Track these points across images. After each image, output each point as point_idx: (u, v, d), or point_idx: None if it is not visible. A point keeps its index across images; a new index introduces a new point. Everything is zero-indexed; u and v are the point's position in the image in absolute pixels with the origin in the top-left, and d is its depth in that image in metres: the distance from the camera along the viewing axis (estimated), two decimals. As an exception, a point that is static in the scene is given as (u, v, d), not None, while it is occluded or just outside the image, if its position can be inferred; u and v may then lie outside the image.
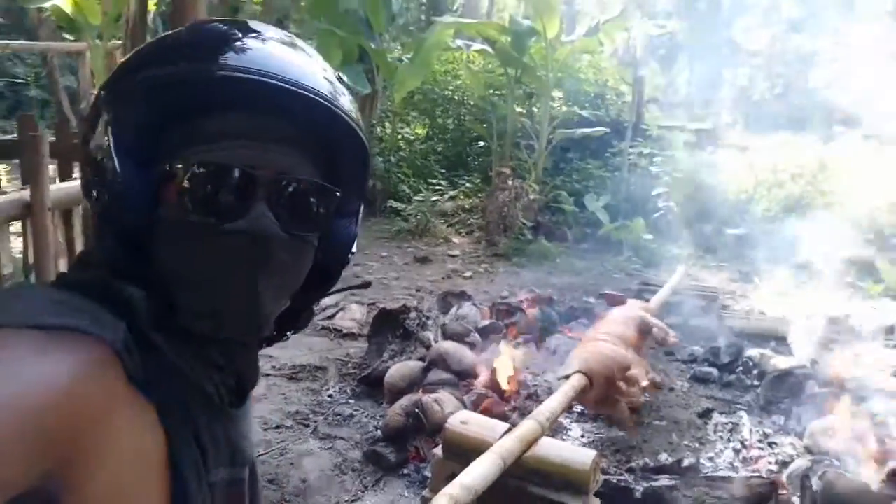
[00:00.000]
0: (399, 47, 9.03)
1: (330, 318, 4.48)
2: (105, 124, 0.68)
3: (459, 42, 8.38)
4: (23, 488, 0.51)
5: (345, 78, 0.78)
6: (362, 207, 0.83)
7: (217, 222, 0.67)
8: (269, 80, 0.65)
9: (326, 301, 4.75)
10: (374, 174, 8.00)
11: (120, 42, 6.41)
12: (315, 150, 0.73)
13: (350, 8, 7.26)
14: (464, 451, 2.24)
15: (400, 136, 9.35)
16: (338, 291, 0.84)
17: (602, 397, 2.82)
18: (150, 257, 0.69)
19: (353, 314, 4.53)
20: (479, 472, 1.85)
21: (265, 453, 2.78)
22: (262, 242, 0.67)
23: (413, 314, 3.58)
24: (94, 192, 0.70)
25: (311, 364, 3.74)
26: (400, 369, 3.21)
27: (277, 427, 3.04)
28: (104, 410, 0.57)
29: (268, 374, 3.59)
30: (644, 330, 3.30)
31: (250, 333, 0.70)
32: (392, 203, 7.73)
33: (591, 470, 2.14)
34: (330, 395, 3.40)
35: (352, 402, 3.34)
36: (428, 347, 3.37)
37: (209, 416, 0.71)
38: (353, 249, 0.82)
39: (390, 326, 3.62)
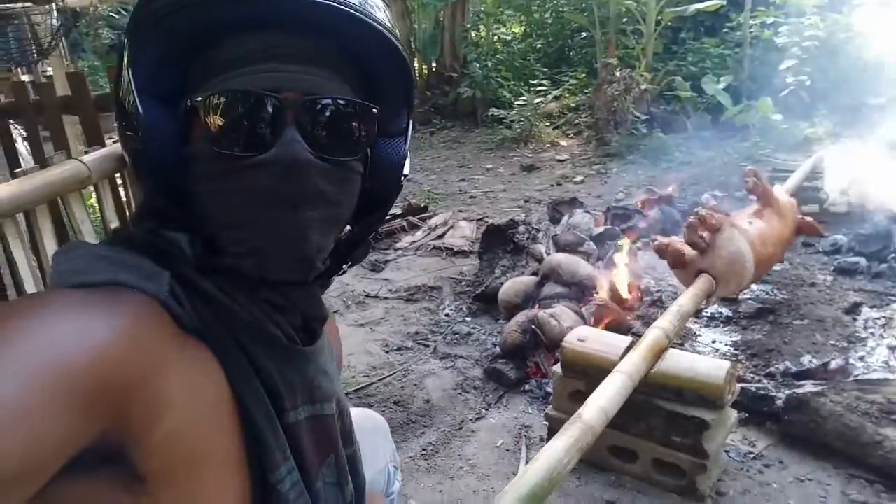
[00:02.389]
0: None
1: (440, 237, 4.45)
2: (126, 64, 0.64)
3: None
4: (81, 446, 0.51)
5: None
6: (411, 125, 0.76)
7: (245, 154, 0.62)
8: None
9: (436, 220, 4.73)
10: (472, 82, 7.75)
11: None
12: (349, 67, 0.67)
13: None
14: (585, 370, 2.15)
15: (496, 38, 8.94)
16: (393, 218, 0.78)
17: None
18: (191, 199, 0.66)
19: (463, 231, 4.47)
20: (607, 394, 1.76)
21: (389, 375, 2.84)
22: (297, 172, 0.62)
23: (522, 227, 3.46)
24: (126, 138, 0.67)
25: (426, 285, 3.74)
26: (513, 285, 3.13)
27: (399, 349, 3.08)
28: (154, 362, 0.56)
29: (385, 298, 3.65)
30: (803, 229, 3.00)
31: (299, 273, 0.67)
32: (493, 111, 7.46)
33: (725, 382, 2.00)
34: (447, 315, 3.40)
35: (468, 320, 3.33)
36: (540, 261, 3.26)
37: (277, 357, 0.69)
38: (406, 171, 0.76)
39: (500, 241, 3.52)
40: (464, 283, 3.71)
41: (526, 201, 5.36)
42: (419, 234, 4.57)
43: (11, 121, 2.86)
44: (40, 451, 0.47)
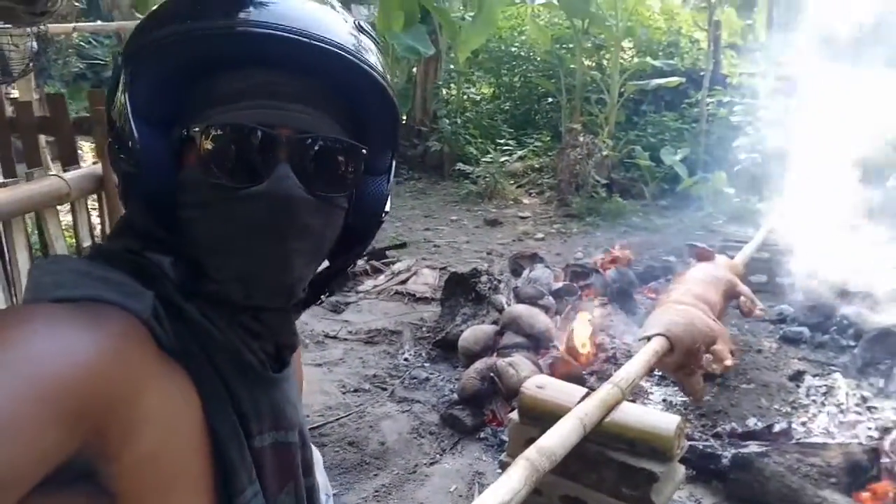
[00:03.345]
0: (462, 6, 8.82)
1: (403, 282, 4.49)
2: (123, 88, 0.66)
3: (523, -5, 8.11)
4: (58, 463, 0.50)
5: (368, 28, 0.73)
6: (393, 164, 0.79)
7: (238, 186, 0.65)
8: (288, 35, 0.62)
9: (399, 266, 4.78)
10: (440, 137, 7.93)
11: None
12: (339, 106, 0.70)
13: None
14: (541, 416, 2.19)
15: (466, 97, 9.21)
16: (371, 252, 0.79)
17: (681, 365, 2.70)
18: (178, 224, 0.67)
19: (426, 278, 4.52)
20: (558, 436, 1.80)
21: (345, 416, 2.82)
22: (286, 206, 0.65)
23: (484, 278, 3.53)
24: (117, 159, 0.69)
25: (387, 328, 3.76)
26: (473, 333, 3.18)
27: (356, 390, 3.08)
28: (133, 381, 0.56)
29: (345, 339, 3.65)
30: (731, 295, 3.13)
31: (280, 299, 0.69)
32: (460, 166, 7.63)
33: (675, 436, 2.06)
34: (406, 359, 3.42)
35: (427, 365, 3.35)
36: (500, 311, 3.32)
37: (248, 382, 0.70)
38: (387, 208, 0.79)
39: (462, 290, 3.58)
40: (424, 329, 3.74)
41: (488, 254, 5.46)
42: (382, 278, 4.60)
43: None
44: (21, 464, 0.47)
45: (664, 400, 3.04)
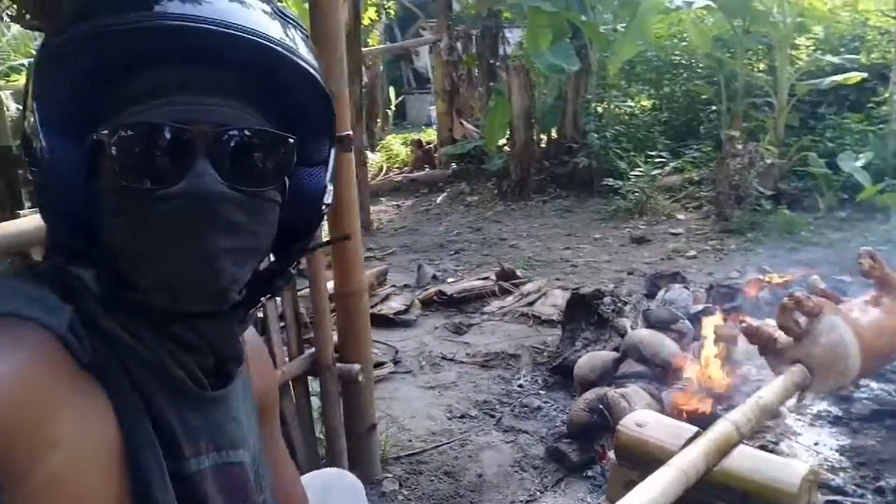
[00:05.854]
0: (611, 17, 8.49)
1: (530, 304, 4.32)
2: (31, 96, 0.63)
3: (678, 1, 7.61)
4: None
5: (290, 13, 0.69)
6: (332, 154, 0.75)
7: (155, 187, 0.61)
8: (202, 26, 0.59)
9: (529, 287, 4.61)
10: (589, 153, 7.65)
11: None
12: (263, 98, 0.67)
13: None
14: (640, 459, 1.93)
15: (619, 110, 8.82)
16: (313, 249, 0.77)
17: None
18: (97, 234, 0.65)
19: (555, 300, 4.30)
20: (655, 489, 1.56)
21: (446, 443, 2.72)
22: (207, 203, 0.61)
23: (607, 299, 3.27)
24: (32, 173, 0.66)
25: (505, 352, 3.61)
26: (590, 359, 2.94)
27: (462, 416, 2.96)
28: (44, 404, 0.56)
29: (461, 361, 3.55)
30: None
31: (210, 303, 0.66)
32: (609, 181, 7.27)
33: (801, 491, 1.71)
34: (520, 385, 3.25)
35: (542, 393, 3.15)
36: (623, 335, 3.05)
37: (178, 400, 0.67)
38: (327, 200, 0.75)
39: (584, 312, 3.34)
40: (544, 354, 3.54)
41: (630, 273, 5.11)
42: (510, 299, 4.46)
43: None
44: None
45: (816, 443, 2.59)
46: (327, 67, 2.22)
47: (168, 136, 0.61)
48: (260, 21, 0.63)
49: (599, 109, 8.55)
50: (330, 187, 0.75)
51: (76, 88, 0.63)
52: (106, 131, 0.62)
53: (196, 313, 0.66)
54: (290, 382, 2.17)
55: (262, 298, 0.75)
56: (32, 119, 0.63)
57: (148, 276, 0.64)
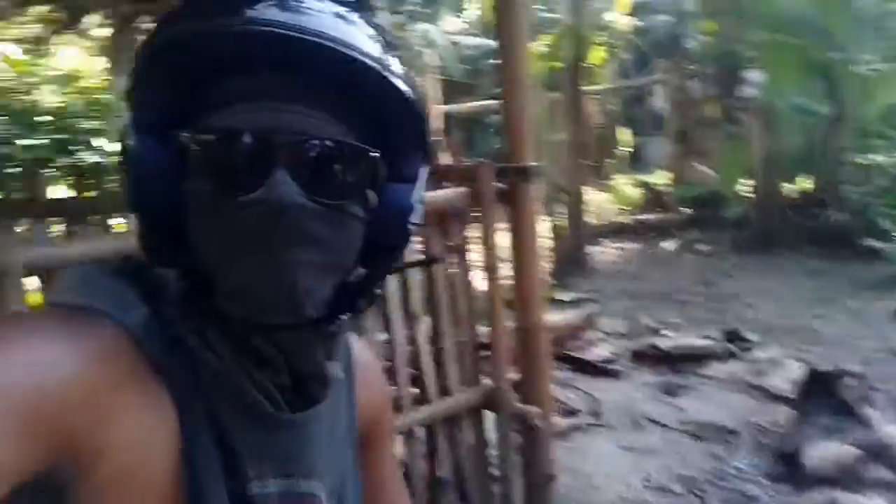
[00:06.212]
0: (868, 56, 7.40)
1: (759, 374, 3.81)
2: (127, 99, 0.67)
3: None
4: (28, 475, 0.51)
5: (382, 24, 0.67)
6: (424, 173, 0.72)
7: (234, 193, 0.61)
8: (285, 32, 0.58)
9: (759, 353, 4.09)
10: (844, 206, 6.70)
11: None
12: (351, 109, 0.65)
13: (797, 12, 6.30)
14: None
15: (885, 161, 7.63)
16: (401, 269, 0.79)
17: None
18: (186, 236, 0.65)
19: (790, 373, 3.75)
20: None
21: (638, 516, 2.46)
22: (284, 213, 0.60)
23: (851, 380, 2.75)
24: (123, 174, 0.68)
25: (723, 424, 3.21)
26: (825, 452, 2.48)
27: (661, 489, 2.67)
28: (111, 400, 0.57)
29: (668, 426, 3.23)
30: None
31: (286, 316, 0.63)
32: (870, 241, 6.28)
33: None
34: (736, 467, 2.85)
35: (763, 481, 2.73)
36: (869, 428, 2.53)
37: (249, 418, 0.66)
38: (416, 220, 0.71)
39: (824, 393, 2.85)
40: (770, 435, 3.08)
41: (894, 353, 4.31)
42: (736, 365, 3.99)
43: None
44: None
45: None
46: (506, 91, 2.13)
47: (247, 141, 0.61)
48: (350, 31, 0.61)
49: (859, 159, 7.49)
50: (419, 207, 0.71)
51: (165, 89, 0.64)
52: (188, 134, 0.63)
53: (275, 325, 0.64)
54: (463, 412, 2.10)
55: (344, 314, 0.71)
56: (127, 117, 0.66)
57: (227, 281, 0.63)
